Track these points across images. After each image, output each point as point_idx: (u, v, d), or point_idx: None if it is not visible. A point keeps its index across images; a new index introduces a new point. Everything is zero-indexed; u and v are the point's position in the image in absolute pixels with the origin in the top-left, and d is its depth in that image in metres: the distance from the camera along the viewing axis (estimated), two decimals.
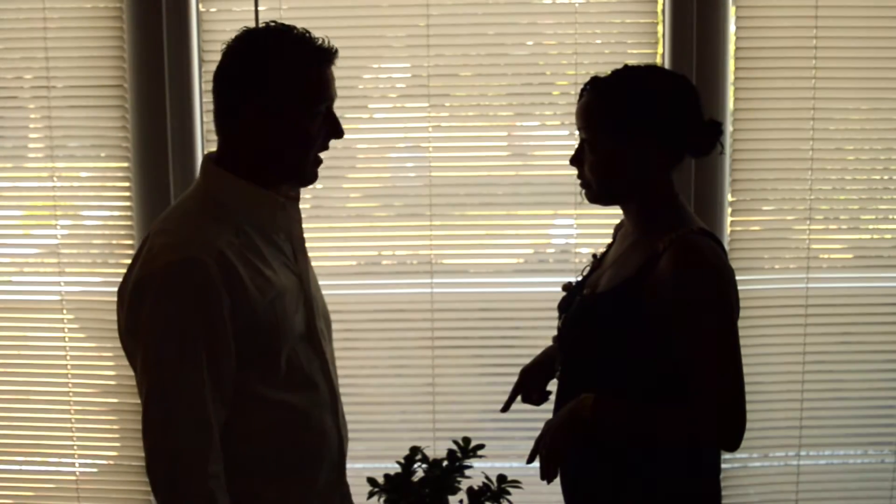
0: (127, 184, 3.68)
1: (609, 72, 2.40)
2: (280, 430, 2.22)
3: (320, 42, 2.18)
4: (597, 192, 2.41)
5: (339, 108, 3.53)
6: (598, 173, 2.38)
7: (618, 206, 2.48)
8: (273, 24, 2.19)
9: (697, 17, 3.55)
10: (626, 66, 2.40)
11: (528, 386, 2.75)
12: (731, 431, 2.24)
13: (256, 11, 3.52)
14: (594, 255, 2.68)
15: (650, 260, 2.31)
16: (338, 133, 2.25)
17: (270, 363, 2.18)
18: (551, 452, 2.35)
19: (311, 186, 3.21)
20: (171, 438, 2.04)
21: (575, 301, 2.52)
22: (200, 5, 3.62)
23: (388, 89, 3.72)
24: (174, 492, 2.04)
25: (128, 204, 3.68)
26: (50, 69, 3.66)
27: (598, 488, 2.48)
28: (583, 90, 2.41)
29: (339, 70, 3.39)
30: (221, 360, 2.07)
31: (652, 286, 2.27)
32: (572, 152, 2.47)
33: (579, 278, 2.63)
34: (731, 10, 3.56)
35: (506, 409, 2.72)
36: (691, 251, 2.28)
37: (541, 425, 2.48)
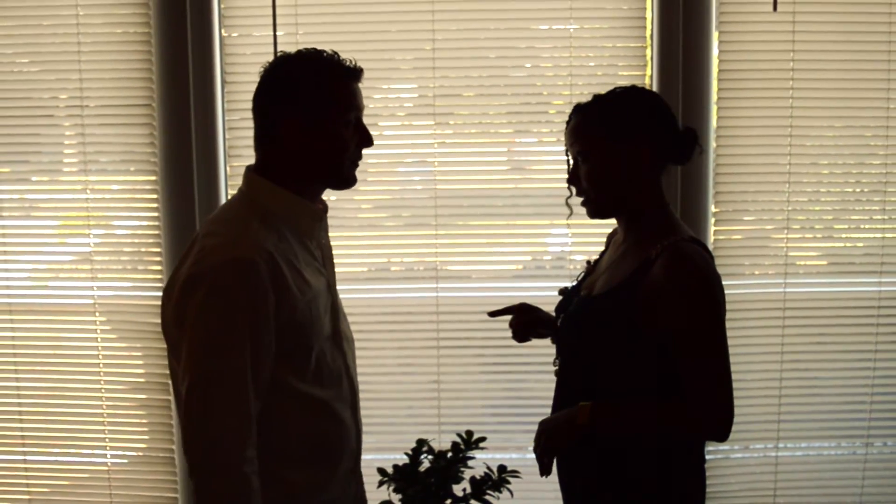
0: (154, 196, 3.70)
1: (591, 98, 2.46)
2: (307, 421, 2.26)
3: (348, 62, 2.25)
4: (596, 202, 2.44)
5: None
6: (595, 181, 2.41)
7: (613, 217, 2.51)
8: (305, 49, 2.27)
9: (683, 41, 3.56)
10: (605, 93, 2.47)
11: (522, 318, 2.74)
12: (722, 423, 2.26)
13: (275, 37, 3.55)
14: (588, 262, 2.69)
15: (643, 265, 2.34)
16: (368, 141, 2.31)
17: (302, 359, 2.22)
18: (546, 451, 2.37)
19: (324, 198, 3.22)
20: (213, 424, 2.07)
21: (572, 304, 2.54)
22: (223, 31, 3.64)
23: (397, 108, 3.73)
24: (213, 475, 2.07)
25: (155, 214, 3.70)
26: (83, 89, 3.67)
27: (590, 484, 2.49)
28: (570, 116, 2.47)
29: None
30: (263, 354, 2.11)
31: (645, 289, 2.30)
32: (567, 166, 2.50)
33: (574, 283, 2.65)
34: (714, 35, 3.58)
35: (493, 314, 2.76)
36: (682, 257, 2.31)
37: (535, 417, 2.51)
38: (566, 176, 2.50)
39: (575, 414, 2.32)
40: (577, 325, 2.47)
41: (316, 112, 2.20)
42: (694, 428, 2.33)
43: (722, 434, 2.29)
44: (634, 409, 2.33)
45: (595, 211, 2.46)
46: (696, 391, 2.25)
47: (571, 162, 2.47)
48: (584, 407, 2.31)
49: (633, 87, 2.48)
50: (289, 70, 2.24)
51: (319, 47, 2.27)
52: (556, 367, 2.59)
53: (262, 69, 2.27)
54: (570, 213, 2.56)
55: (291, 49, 3.48)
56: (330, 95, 2.21)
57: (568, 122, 2.47)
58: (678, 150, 2.43)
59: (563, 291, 2.67)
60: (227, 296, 2.06)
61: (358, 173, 3.63)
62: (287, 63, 2.25)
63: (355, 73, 2.26)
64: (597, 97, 2.45)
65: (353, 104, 2.25)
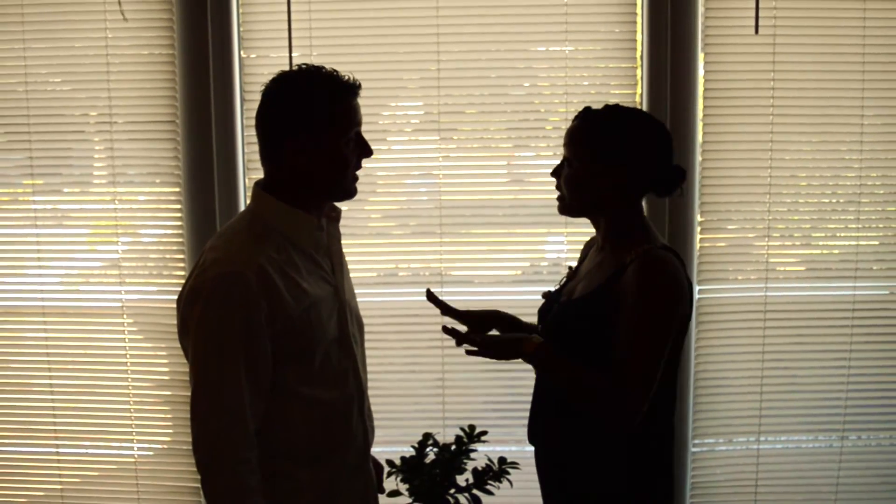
0: (178, 206, 3.73)
1: (602, 105, 2.44)
2: (311, 421, 2.27)
3: (346, 78, 2.23)
4: (568, 203, 2.46)
5: None
6: (570, 187, 2.43)
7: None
8: (304, 65, 2.25)
9: (671, 62, 3.59)
10: (617, 105, 2.45)
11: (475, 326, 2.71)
12: (625, 414, 2.25)
13: (290, 58, 3.58)
14: (570, 268, 2.71)
15: (617, 271, 2.35)
16: (367, 153, 2.31)
17: (305, 363, 2.24)
18: (484, 350, 2.38)
19: (338, 209, 3.22)
20: (210, 427, 2.12)
21: (553, 308, 2.56)
22: (242, 52, 3.67)
23: (404, 124, 3.75)
24: (209, 474, 2.12)
25: (179, 223, 3.73)
26: (112, 107, 3.71)
27: (566, 489, 2.52)
28: (576, 116, 2.46)
29: (361, 108, 3.43)
30: (258, 359, 2.13)
31: (617, 294, 2.31)
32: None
33: (556, 287, 2.66)
34: (700, 57, 3.60)
35: (430, 296, 2.67)
36: (654, 262, 2.32)
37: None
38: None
39: (524, 342, 2.35)
40: (555, 329, 2.48)
41: (318, 132, 2.20)
42: (602, 406, 2.30)
43: (620, 422, 2.28)
44: (572, 367, 2.33)
45: (564, 209, 2.49)
46: (618, 376, 2.25)
47: (562, 158, 2.48)
48: (535, 343, 2.34)
49: (640, 115, 2.48)
50: (290, 90, 2.22)
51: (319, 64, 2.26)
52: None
53: (263, 87, 2.26)
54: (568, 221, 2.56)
55: None
56: (331, 115, 2.21)
57: (573, 121, 2.47)
58: (661, 185, 2.43)
59: (546, 295, 2.69)
60: (221, 307, 2.10)
61: (368, 185, 3.69)
62: (288, 82, 2.24)
63: (354, 89, 2.24)
64: (608, 109, 2.43)
65: (353, 121, 2.25)
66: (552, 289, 2.69)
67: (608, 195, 2.40)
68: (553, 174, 2.49)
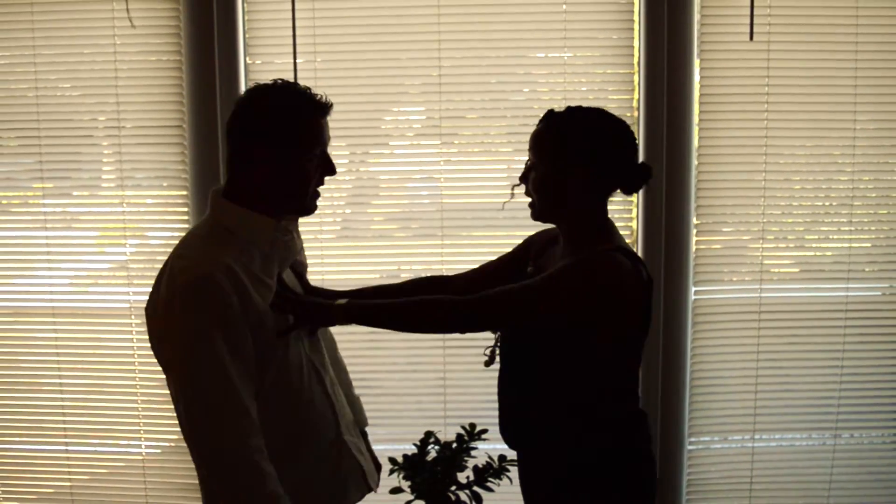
0: (185, 209, 3.75)
1: (564, 108, 2.41)
2: (275, 407, 2.29)
3: (318, 97, 2.24)
4: (539, 210, 2.43)
5: (364, 144, 3.64)
6: (538, 192, 2.40)
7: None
8: (280, 81, 2.26)
9: (668, 68, 3.60)
10: (578, 107, 2.41)
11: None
12: (464, 308, 2.31)
13: (295, 64, 3.59)
14: (528, 271, 2.64)
15: None
16: (330, 171, 2.32)
17: (271, 356, 2.26)
18: (290, 310, 2.34)
19: (340, 212, 3.22)
20: (212, 420, 2.12)
21: None
22: (247, 58, 3.68)
23: (406, 129, 3.76)
24: (222, 465, 2.13)
25: (186, 226, 3.74)
26: (120, 112, 3.72)
27: (546, 487, 2.51)
28: (540, 119, 2.43)
29: (364, 112, 3.45)
30: (242, 351, 2.16)
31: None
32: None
33: None
34: (696, 63, 3.61)
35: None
36: (591, 256, 2.30)
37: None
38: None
39: (332, 316, 2.37)
40: (517, 336, 2.49)
41: (284, 146, 2.21)
42: (448, 318, 2.34)
43: (457, 319, 2.33)
44: (386, 307, 2.37)
45: (536, 215, 2.45)
46: (481, 298, 2.30)
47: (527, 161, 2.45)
48: (340, 312, 2.35)
49: (601, 114, 2.41)
50: (262, 103, 2.23)
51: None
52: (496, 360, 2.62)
53: (237, 98, 2.28)
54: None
55: (310, 75, 3.52)
56: (299, 132, 2.22)
57: (537, 125, 2.43)
58: (627, 182, 2.41)
59: None
60: (198, 311, 2.12)
61: (371, 188, 3.71)
62: (261, 96, 2.25)
63: (324, 108, 2.25)
64: (569, 112, 2.39)
65: (319, 139, 2.26)
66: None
67: (574, 197, 2.38)
68: (521, 179, 2.45)
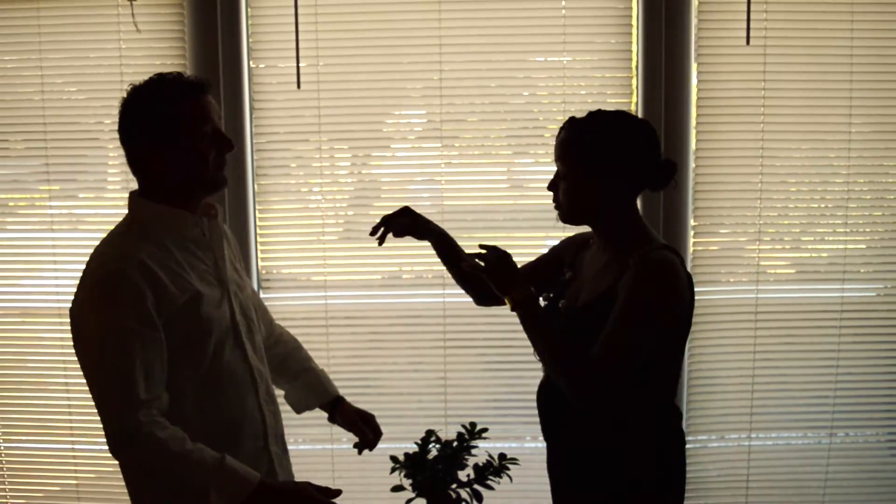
0: None
1: (586, 113, 2.43)
2: (204, 406, 2.32)
3: (190, 78, 2.28)
4: (567, 213, 2.44)
5: (365, 147, 3.66)
6: (571, 199, 2.40)
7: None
8: (155, 75, 2.29)
9: (665, 72, 3.61)
10: (599, 111, 2.43)
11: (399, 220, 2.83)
12: (594, 389, 2.27)
13: (298, 67, 3.60)
14: (565, 271, 2.65)
15: (621, 275, 2.34)
16: (226, 146, 2.34)
17: (197, 353, 2.30)
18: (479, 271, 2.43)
19: (343, 213, 3.20)
20: (112, 405, 2.17)
21: (557, 314, 2.55)
22: (251, 62, 3.69)
23: (408, 132, 3.78)
24: (119, 443, 2.17)
25: None
26: None
27: (579, 479, 2.53)
28: (561, 128, 2.45)
29: (366, 116, 3.45)
30: (152, 344, 2.19)
31: (617, 294, 2.31)
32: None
33: (553, 294, 2.65)
34: (693, 67, 3.63)
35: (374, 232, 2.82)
36: (652, 264, 2.31)
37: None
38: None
39: (515, 287, 2.37)
40: (576, 334, 2.44)
41: (169, 133, 2.24)
42: (579, 384, 2.30)
43: (587, 398, 2.29)
44: (553, 331, 2.35)
45: (564, 218, 2.47)
46: (601, 361, 2.25)
47: (556, 171, 2.46)
48: (521, 297, 2.35)
49: (624, 115, 2.45)
50: (137, 100, 2.27)
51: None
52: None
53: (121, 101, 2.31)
54: (563, 226, 2.55)
55: (313, 78, 3.52)
56: (180, 116, 2.24)
57: (559, 133, 2.45)
58: (656, 179, 2.42)
59: (546, 299, 2.67)
60: (108, 306, 2.17)
61: (373, 190, 3.69)
62: (136, 92, 2.28)
63: (199, 86, 2.28)
64: (592, 116, 2.42)
65: (202, 116, 2.28)
66: (550, 294, 2.68)
67: (609, 199, 2.40)
68: (550, 188, 2.47)
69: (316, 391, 2.84)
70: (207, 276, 2.37)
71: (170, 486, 2.24)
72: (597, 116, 2.42)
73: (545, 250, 2.87)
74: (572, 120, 2.43)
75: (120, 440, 2.16)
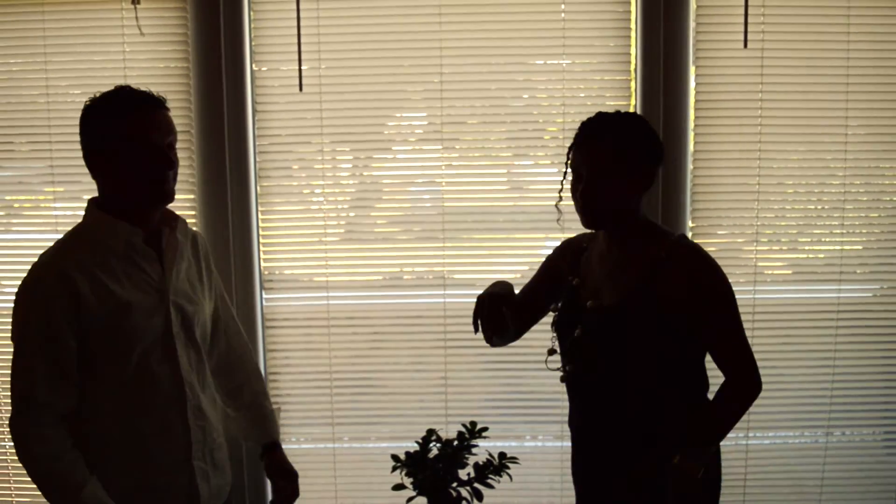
0: (193, 212, 3.77)
1: (606, 117, 2.45)
2: (123, 416, 2.39)
3: (139, 94, 2.35)
4: (602, 216, 2.44)
5: (367, 149, 3.67)
6: (599, 199, 2.40)
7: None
8: (113, 88, 2.38)
9: (664, 75, 3.62)
10: (619, 113, 2.46)
11: (487, 313, 2.52)
12: (757, 383, 2.42)
13: (300, 71, 3.61)
14: (570, 279, 2.65)
15: (654, 266, 2.37)
16: (164, 162, 2.35)
17: (119, 362, 2.36)
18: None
19: (345, 214, 3.20)
20: (14, 406, 2.31)
21: (583, 318, 2.53)
22: (254, 65, 3.70)
23: (409, 134, 3.78)
24: (16, 445, 2.30)
25: (194, 229, 3.72)
26: None
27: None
28: (590, 134, 2.43)
29: (368, 118, 3.46)
30: (60, 353, 2.30)
31: (666, 285, 2.36)
32: (559, 185, 2.52)
33: (562, 302, 2.65)
34: (692, 70, 3.63)
35: (477, 330, 2.56)
36: (694, 254, 2.40)
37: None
38: (562, 187, 2.52)
39: (686, 469, 2.38)
40: (604, 338, 2.47)
41: (110, 145, 2.31)
42: (749, 396, 2.42)
43: (756, 392, 2.42)
44: (716, 419, 2.44)
45: (592, 222, 2.46)
46: (741, 369, 2.41)
47: (572, 173, 2.45)
48: (685, 464, 2.38)
49: (642, 119, 2.48)
50: (88, 114, 2.36)
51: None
52: (563, 375, 2.60)
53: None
54: (564, 227, 2.56)
55: (315, 81, 3.53)
56: (119, 128, 2.30)
57: (581, 136, 2.44)
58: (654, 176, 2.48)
59: (555, 309, 2.68)
60: (26, 311, 2.32)
61: (374, 192, 3.70)
62: (87, 108, 2.37)
63: (144, 101, 2.34)
64: (622, 119, 2.44)
65: (143, 133, 2.32)
66: (559, 304, 2.67)
67: (631, 197, 2.44)
68: (583, 196, 2.42)
69: (259, 428, 2.85)
70: (145, 286, 2.40)
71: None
72: (626, 119, 2.45)
73: (544, 251, 2.88)
74: (605, 124, 2.43)
75: (12, 436, 2.30)
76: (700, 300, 2.35)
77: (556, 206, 2.60)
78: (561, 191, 2.57)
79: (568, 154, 2.48)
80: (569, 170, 2.48)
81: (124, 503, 2.37)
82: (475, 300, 2.57)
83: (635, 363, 2.41)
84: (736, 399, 2.42)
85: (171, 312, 2.43)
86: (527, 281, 2.91)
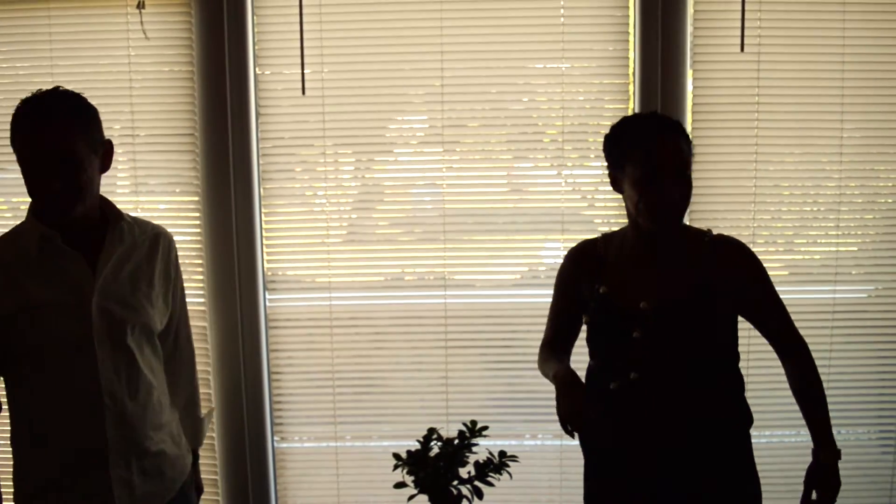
0: (197, 214, 3.78)
1: (650, 111, 2.61)
2: (34, 413, 2.38)
3: (29, 106, 2.28)
4: (682, 214, 2.54)
5: (369, 152, 3.68)
6: (687, 199, 2.51)
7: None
8: (25, 97, 2.33)
9: (662, 78, 3.63)
10: (656, 113, 2.59)
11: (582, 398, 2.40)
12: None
13: (303, 74, 3.62)
14: (596, 289, 2.63)
15: (702, 257, 2.52)
16: (32, 185, 2.32)
17: (33, 361, 2.34)
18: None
19: (347, 216, 3.20)
20: None
21: (637, 321, 2.52)
22: (257, 69, 3.71)
23: (410, 137, 3.79)
24: None
25: (198, 230, 3.77)
26: (134, 120, 3.75)
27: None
28: (671, 134, 2.46)
29: (369, 121, 3.46)
30: None
31: (720, 273, 2.50)
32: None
33: (597, 308, 2.63)
34: (689, 73, 3.63)
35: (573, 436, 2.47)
36: (733, 242, 2.60)
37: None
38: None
39: (826, 465, 2.61)
40: (688, 328, 2.50)
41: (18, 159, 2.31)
42: (810, 355, 2.68)
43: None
44: (818, 407, 2.70)
45: (675, 221, 2.53)
46: (798, 339, 2.66)
47: (640, 170, 2.44)
48: (821, 460, 2.63)
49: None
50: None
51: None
52: (626, 380, 2.55)
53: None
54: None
55: (318, 85, 3.54)
56: (12, 143, 2.30)
57: (667, 130, 2.46)
58: None
59: (601, 318, 2.64)
60: None
61: (376, 194, 3.71)
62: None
63: (22, 117, 2.28)
64: (676, 122, 2.51)
65: (19, 148, 2.29)
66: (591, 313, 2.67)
67: None
68: (683, 193, 2.49)
69: (188, 434, 2.81)
70: (63, 286, 2.34)
71: None
72: (677, 123, 2.53)
73: (543, 252, 2.87)
74: (676, 124, 2.50)
75: None
76: (752, 280, 2.54)
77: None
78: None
79: (625, 151, 2.48)
80: (605, 168, 2.58)
81: (38, 500, 2.38)
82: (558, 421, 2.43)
83: (704, 353, 2.49)
84: (811, 367, 2.65)
85: (93, 315, 2.34)
86: (530, 287, 2.91)
